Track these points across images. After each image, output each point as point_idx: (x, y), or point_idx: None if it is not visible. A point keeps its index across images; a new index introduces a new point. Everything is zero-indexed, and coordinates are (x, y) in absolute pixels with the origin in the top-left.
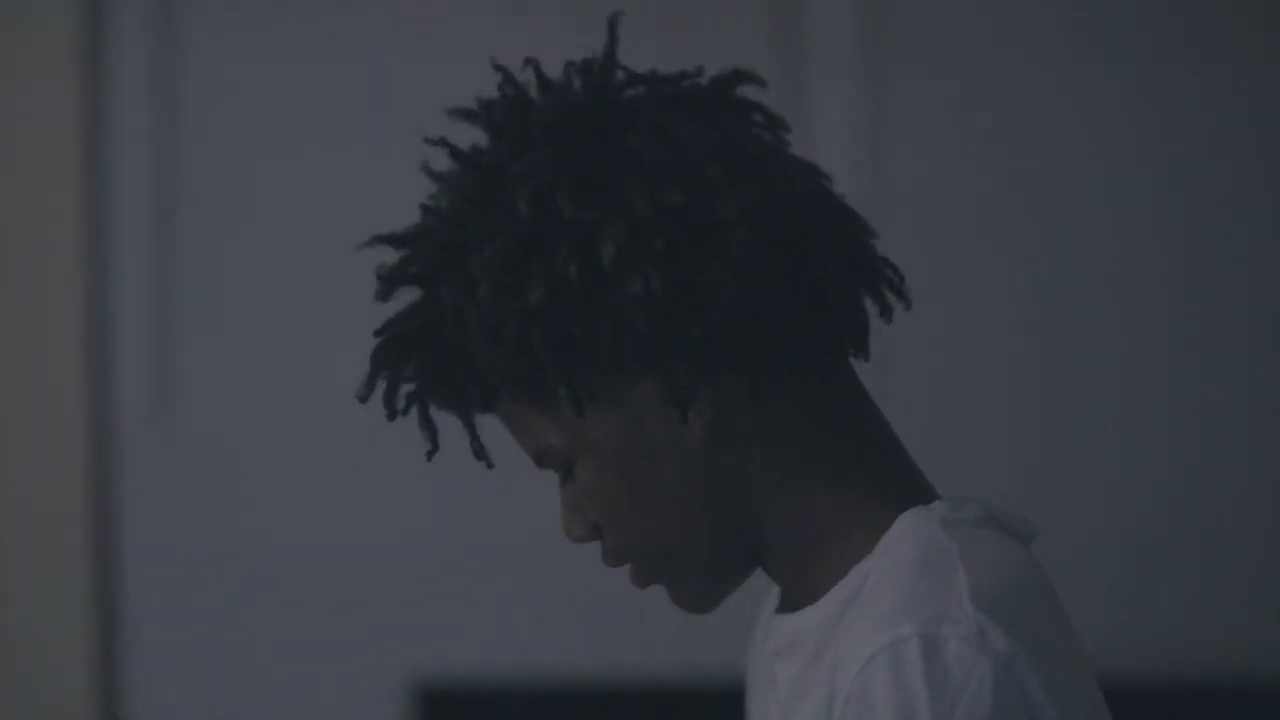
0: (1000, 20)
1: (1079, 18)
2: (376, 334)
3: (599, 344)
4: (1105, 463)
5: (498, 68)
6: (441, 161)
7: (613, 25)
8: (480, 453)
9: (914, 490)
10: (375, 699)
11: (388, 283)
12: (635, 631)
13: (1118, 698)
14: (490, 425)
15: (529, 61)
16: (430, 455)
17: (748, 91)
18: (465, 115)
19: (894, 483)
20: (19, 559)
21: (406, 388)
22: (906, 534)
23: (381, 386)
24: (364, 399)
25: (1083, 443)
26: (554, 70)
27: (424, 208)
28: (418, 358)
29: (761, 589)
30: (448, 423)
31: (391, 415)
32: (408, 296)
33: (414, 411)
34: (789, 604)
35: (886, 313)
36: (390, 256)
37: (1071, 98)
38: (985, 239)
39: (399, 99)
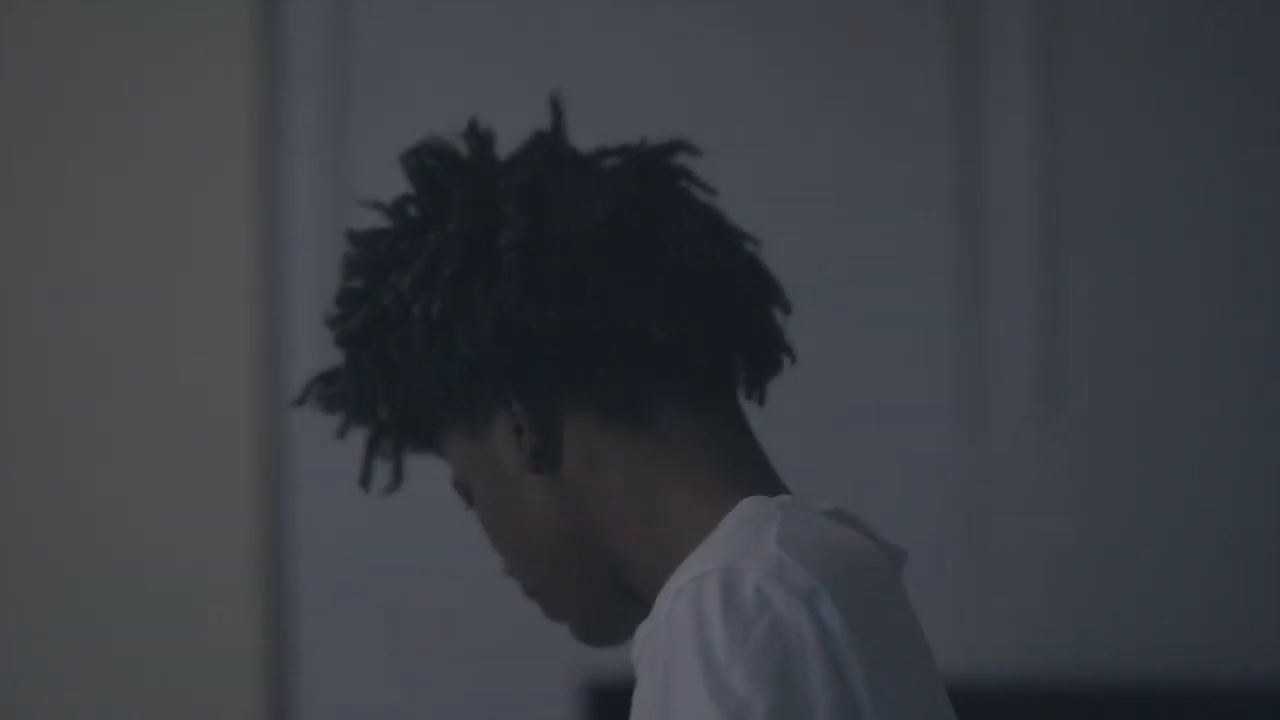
0: (1181, 20)
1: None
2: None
3: (406, 368)
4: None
5: (428, 137)
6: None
7: (555, 102)
8: (365, 478)
9: (769, 491)
10: (545, 698)
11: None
12: None
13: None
14: None
15: (471, 126)
16: (365, 487)
17: (684, 159)
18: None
19: (747, 487)
20: (191, 564)
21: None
22: (740, 511)
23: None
24: (340, 436)
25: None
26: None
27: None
28: (326, 389)
29: None
30: None
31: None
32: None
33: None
34: None
35: (776, 365)
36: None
37: (1255, 98)
38: (1166, 242)
39: (573, 99)
